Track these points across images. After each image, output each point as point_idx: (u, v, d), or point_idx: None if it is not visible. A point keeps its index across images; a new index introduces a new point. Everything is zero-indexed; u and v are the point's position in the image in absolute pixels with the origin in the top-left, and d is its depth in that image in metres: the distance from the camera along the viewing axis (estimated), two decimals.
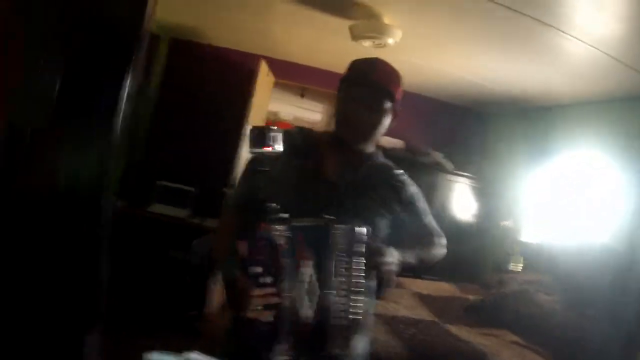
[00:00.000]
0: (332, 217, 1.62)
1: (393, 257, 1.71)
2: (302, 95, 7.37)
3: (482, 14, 3.70)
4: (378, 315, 4.05)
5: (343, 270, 1.59)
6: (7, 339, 1.35)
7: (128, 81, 1.36)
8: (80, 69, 1.35)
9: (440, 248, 2.10)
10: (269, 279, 1.51)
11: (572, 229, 5.08)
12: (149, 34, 1.48)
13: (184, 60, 5.99)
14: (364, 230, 1.61)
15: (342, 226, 1.60)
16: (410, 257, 1.85)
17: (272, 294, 1.51)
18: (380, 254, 1.68)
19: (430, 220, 2.09)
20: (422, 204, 2.06)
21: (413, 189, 2.03)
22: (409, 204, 1.99)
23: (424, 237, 2.06)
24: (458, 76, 5.55)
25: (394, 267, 1.71)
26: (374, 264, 1.66)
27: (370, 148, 1.96)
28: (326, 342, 1.61)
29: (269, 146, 1.57)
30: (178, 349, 1.48)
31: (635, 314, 1.65)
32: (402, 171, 2.03)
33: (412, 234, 2.00)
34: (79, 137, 1.37)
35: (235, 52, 6.05)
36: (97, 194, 1.37)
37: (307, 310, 1.58)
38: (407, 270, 1.87)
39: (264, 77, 5.65)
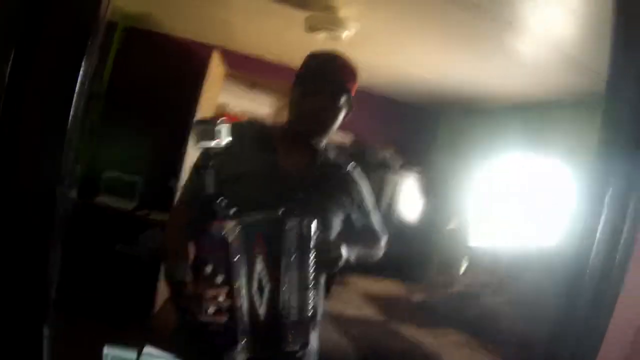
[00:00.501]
0: (282, 211, 1.59)
1: (341, 252, 1.70)
2: (253, 87, 7.36)
3: (440, 12, 3.71)
4: (324, 314, 4.04)
5: (293, 265, 1.57)
6: None
7: (82, 69, 1.29)
8: (31, 58, 1.29)
9: (380, 249, 2.11)
10: (220, 279, 1.47)
11: (519, 232, 5.14)
12: (106, 21, 1.41)
13: (135, 50, 5.87)
14: (314, 224, 1.58)
15: (292, 221, 1.57)
16: (352, 254, 1.83)
17: (224, 295, 1.47)
18: (330, 248, 1.67)
19: (376, 218, 2.09)
20: (371, 201, 2.05)
21: (365, 187, 2.02)
22: (359, 201, 1.98)
23: (369, 236, 2.06)
24: (412, 73, 5.56)
25: (340, 263, 1.70)
26: (323, 259, 1.64)
27: (324, 142, 1.94)
28: (281, 339, 1.58)
29: (213, 140, 1.52)
30: (128, 344, 1.43)
31: (583, 318, 1.64)
32: (354, 165, 2.02)
33: (357, 232, 1.99)
34: (32, 128, 1.31)
35: (189, 42, 5.96)
36: (52, 186, 1.31)
37: (259, 308, 1.55)
38: (349, 267, 1.86)
39: (216, 68, 5.59)
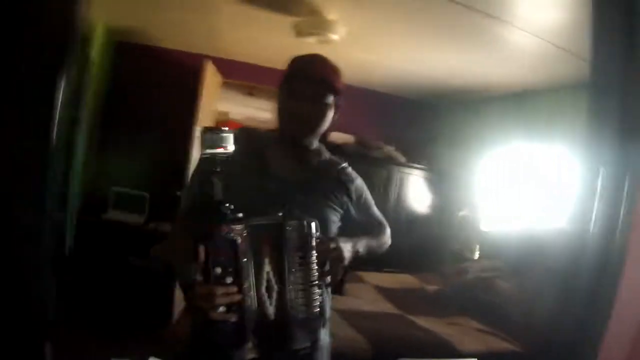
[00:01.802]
0: (284, 214, 1.63)
1: (344, 247, 1.73)
2: (251, 94, 7.37)
3: (427, 7, 3.72)
4: (339, 311, 4.06)
5: (297, 265, 1.61)
6: None
7: (62, 86, 1.30)
8: (5, 75, 1.30)
9: (387, 238, 2.13)
10: (229, 280, 1.51)
11: (528, 216, 5.16)
12: (81, 35, 1.43)
13: (130, 64, 5.88)
14: (313, 224, 1.62)
15: (293, 222, 1.61)
16: (361, 248, 1.87)
17: (234, 294, 1.51)
18: (332, 245, 1.70)
19: (376, 210, 2.13)
20: (368, 195, 2.10)
21: (359, 181, 2.06)
22: (357, 196, 2.02)
23: (373, 228, 2.09)
24: (406, 69, 5.56)
25: (346, 259, 1.74)
26: (326, 257, 1.68)
27: (315, 143, 1.98)
28: (289, 337, 1.62)
29: (220, 147, 1.57)
30: (144, 356, 1.47)
31: (587, 295, 1.67)
32: (346, 164, 2.06)
33: (361, 226, 2.03)
34: (13, 149, 1.31)
35: (182, 54, 5.98)
36: (40, 205, 1.32)
37: (268, 308, 1.59)
38: (360, 262, 1.90)
39: (211, 78, 5.60)
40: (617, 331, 1.69)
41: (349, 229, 1.95)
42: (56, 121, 1.31)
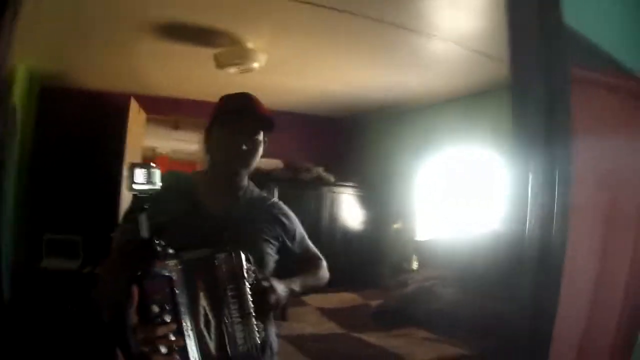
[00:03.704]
0: (214, 247, 1.64)
1: (278, 287, 1.74)
2: (177, 128, 7.30)
3: (344, 27, 3.77)
4: (285, 337, 4.04)
5: (230, 297, 1.61)
6: None
7: None
8: None
9: (325, 271, 2.15)
10: (168, 318, 1.49)
11: (462, 222, 5.23)
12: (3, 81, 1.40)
13: (54, 109, 5.77)
14: (243, 255, 1.64)
15: (222, 254, 1.62)
16: (296, 285, 1.88)
17: (173, 332, 1.49)
18: (265, 284, 1.71)
19: (310, 244, 2.15)
20: (301, 229, 2.12)
21: (291, 214, 2.09)
22: (291, 229, 2.04)
23: (309, 262, 2.11)
24: (329, 89, 5.60)
25: (281, 301, 1.75)
26: (261, 301, 1.69)
27: (245, 180, 1.99)
28: None
29: (147, 183, 1.56)
30: None
31: (529, 296, 1.71)
32: (277, 200, 2.09)
33: (298, 259, 2.05)
34: None
35: (105, 94, 5.89)
36: None
37: (208, 343, 1.58)
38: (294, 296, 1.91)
39: (136, 115, 5.55)
40: (565, 328, 1.73)
41: (287, 263, 1.97)
42: None
